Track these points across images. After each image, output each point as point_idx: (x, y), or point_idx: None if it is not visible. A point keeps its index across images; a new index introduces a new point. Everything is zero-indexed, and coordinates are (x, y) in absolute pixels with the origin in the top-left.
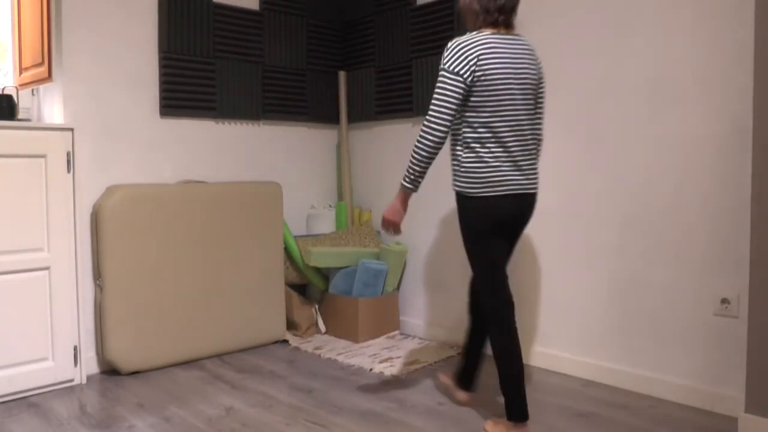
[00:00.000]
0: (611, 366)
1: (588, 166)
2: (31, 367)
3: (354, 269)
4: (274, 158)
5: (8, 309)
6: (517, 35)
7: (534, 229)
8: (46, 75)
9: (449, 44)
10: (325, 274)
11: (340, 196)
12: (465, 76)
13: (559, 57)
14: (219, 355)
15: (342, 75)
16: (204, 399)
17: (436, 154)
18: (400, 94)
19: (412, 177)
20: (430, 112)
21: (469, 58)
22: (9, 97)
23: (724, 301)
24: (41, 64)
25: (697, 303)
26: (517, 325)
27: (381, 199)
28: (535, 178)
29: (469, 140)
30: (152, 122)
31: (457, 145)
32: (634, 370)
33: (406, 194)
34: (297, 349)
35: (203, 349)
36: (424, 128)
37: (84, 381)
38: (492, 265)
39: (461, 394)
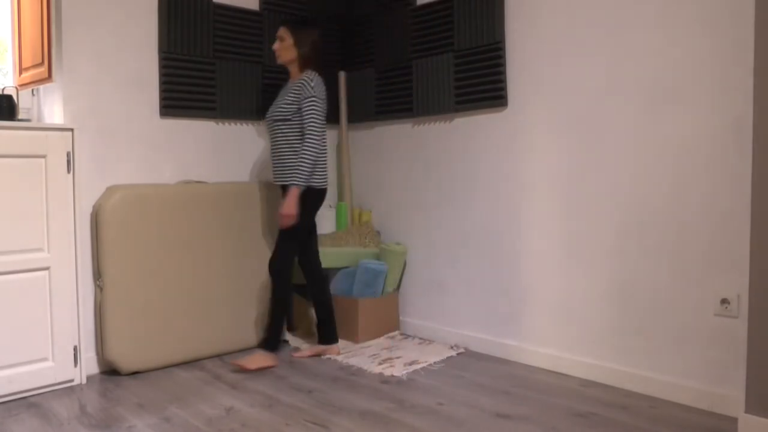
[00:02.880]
0: (611, 366)
1: (588, 166)
2: (31, 367)
3: (354, 269)
4: None
5: (8, 309)
6: None
7: (534, 229)
8: (46, 75)
9: (311, 77)
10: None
11: (340, 196)
12: (324, 99)
13: (559, 57)
14: (219, 356)
15: (342, 75)
16: (204, 399)
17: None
18: (400, 94)
19: (306, 177)
20: (315, 128)
21: (323, 89)
22: (9, 97)
23: (724, 301)
24: (41, 64)
25: (697, 303)
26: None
27: (381, 199)
28: None
29: None
30: (152, 122)
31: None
32: (634, 370)
33: (300, 191)
34: (297, 349)
35: (203, 349)
36: (314, 140)
37: (84, 381)
38: (300, 240)
39: (332, 349)
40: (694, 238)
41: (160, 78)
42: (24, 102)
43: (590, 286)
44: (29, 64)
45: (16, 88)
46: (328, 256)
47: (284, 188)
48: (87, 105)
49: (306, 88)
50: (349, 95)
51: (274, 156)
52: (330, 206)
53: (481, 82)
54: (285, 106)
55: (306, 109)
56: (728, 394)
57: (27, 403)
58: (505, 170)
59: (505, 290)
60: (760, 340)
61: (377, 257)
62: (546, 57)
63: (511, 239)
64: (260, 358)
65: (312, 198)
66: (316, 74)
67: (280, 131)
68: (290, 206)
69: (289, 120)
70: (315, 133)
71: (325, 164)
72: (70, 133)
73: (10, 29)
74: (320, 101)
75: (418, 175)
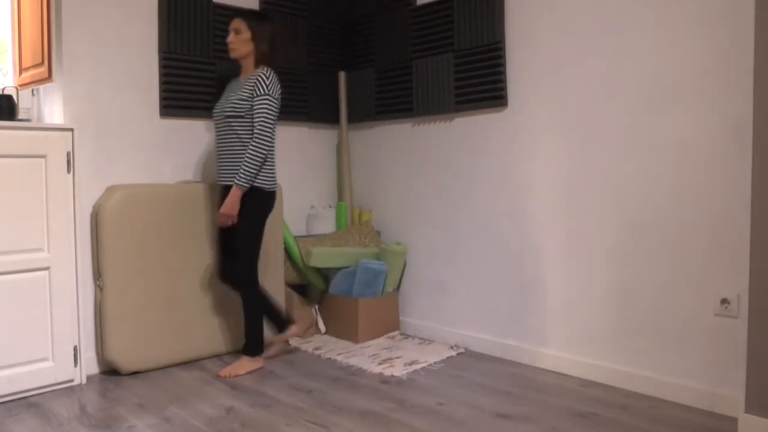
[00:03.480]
0: (611, 366)
1: (588, 166)
2: (31, 367)
3: (354, 269)
4: None
5: (8, 309)
6: None
7: (534, 229)
8: (46, 75)
9: (267, 74)
10: (325, 274)
11: (340, 196)
12: (279, 98)
13: (559, 56)
14: (219, 356)
15: (342, 75)
16: (204, 399)
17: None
18: (400, 94)
19: (250, 178)
20: (266, 128)
21: (279, 87)
22: (9, 97)
23: (724, 301)
24: (41, 64)
25: (697, 303)
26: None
27: (381, 199)
28: None
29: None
30: (152, 122)
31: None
32: (634, 370)
33: (242, 192)
34: (297, 349)
35: (203, 349)
36: (263, 141)
37: (84, 381)
38: (259, 245)
39: (292, 331)
40: (694, 238)
41: (160, 78)
42: (24, 102)
43: (590, 286)
44: (29, 64)
45: (16, 88)
46: (329, 256)
47: (228, 188)
48: (87, 105)
49: (261, 86)
50: (349, 95)
51: (221, 154)
52: (330, 206)
53: (481, 82)
54: (239, 102)
55: (258, 107)
56: (728, 394)
57: (27, 403)
58: (505, 170)
59: (505, 290)
60: (760, 340)
61: (377, 257)
62: (546, 57)
63: (511, 239)
64: (247, 364)
65: (264, 200)
66: (272, 71)
67: (230, 128)
68: (233, 206)
69: (242, 117)
70: (265, 133)
71: (274, 165)
72: (70, 133)
73: (10, 29)
74: (274, 100)
75: (418, 175)
